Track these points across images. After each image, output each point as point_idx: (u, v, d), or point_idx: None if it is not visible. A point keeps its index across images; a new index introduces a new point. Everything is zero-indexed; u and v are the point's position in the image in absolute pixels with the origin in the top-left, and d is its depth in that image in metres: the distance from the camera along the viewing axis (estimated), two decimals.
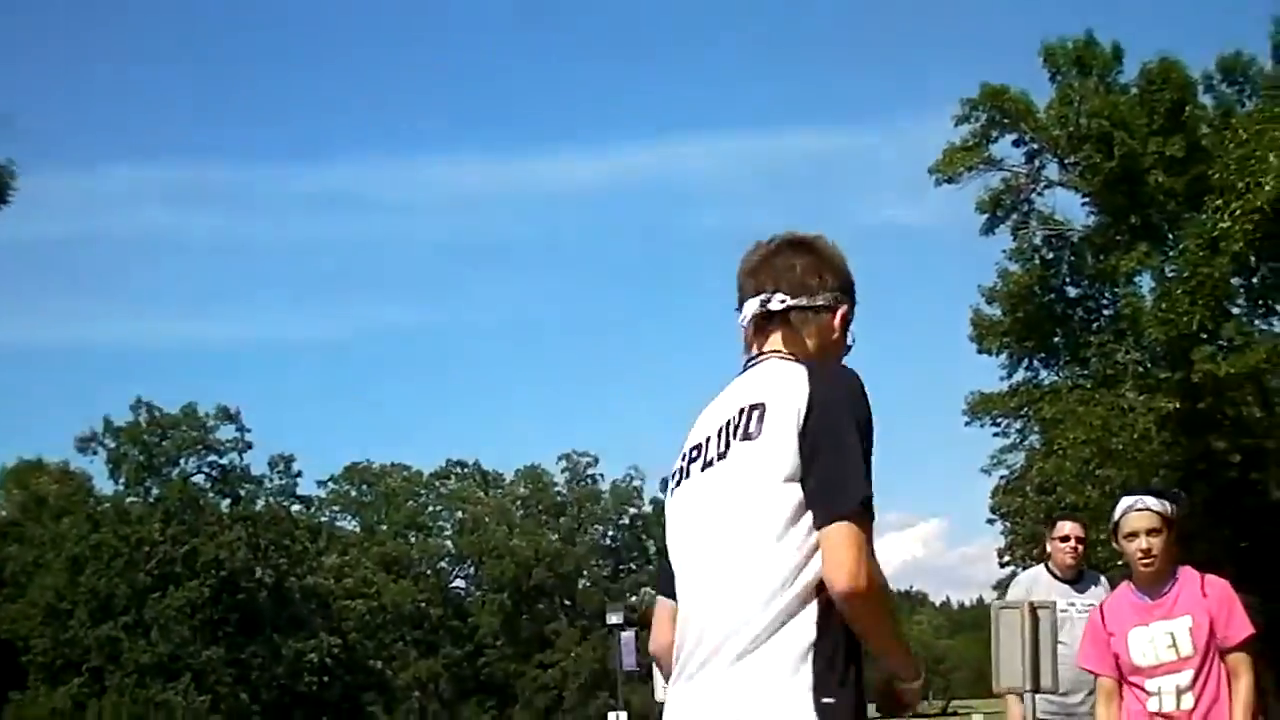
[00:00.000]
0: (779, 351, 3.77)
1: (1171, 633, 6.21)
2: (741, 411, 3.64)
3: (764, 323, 3.83)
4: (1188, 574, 6.58)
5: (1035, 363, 47.30)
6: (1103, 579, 9.24)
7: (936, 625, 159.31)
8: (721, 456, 3.64)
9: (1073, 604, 8.85)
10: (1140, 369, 40.99)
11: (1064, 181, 44.57)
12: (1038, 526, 49.42)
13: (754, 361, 3.81)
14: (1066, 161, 43.69)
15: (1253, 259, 33.78)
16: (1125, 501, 6.67)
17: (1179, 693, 6.14)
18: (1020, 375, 47.48)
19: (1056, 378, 46.61)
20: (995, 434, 50.10)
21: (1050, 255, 46.12)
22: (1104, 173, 41.29)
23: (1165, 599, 6.40)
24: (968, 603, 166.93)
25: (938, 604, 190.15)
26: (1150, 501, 6.59)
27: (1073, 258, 45.86)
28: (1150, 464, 39.73)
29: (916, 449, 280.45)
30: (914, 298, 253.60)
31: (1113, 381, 41.64)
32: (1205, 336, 36.83)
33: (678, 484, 3.76)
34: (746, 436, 3.59)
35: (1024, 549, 47.62)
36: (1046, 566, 9.35)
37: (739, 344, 3.92)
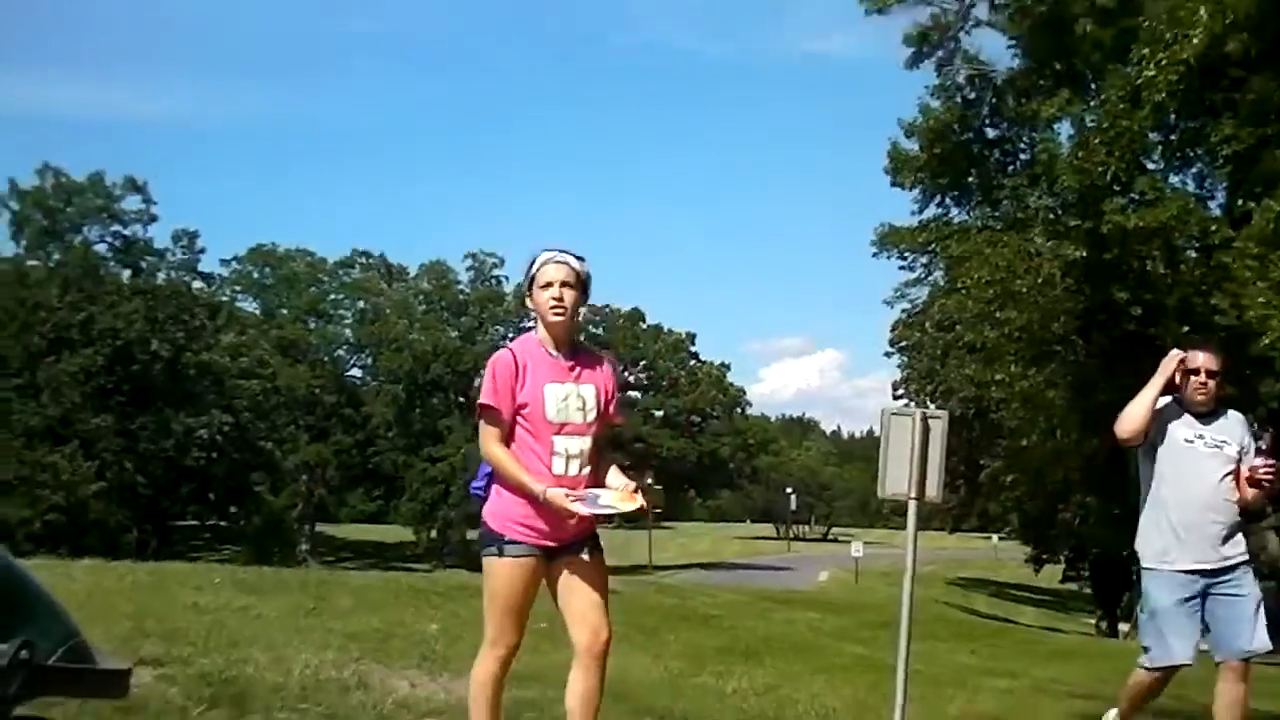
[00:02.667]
0: None
1: (583, 396, 6.29)
2: None
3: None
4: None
5: (947, 200, 47.31)
6: (1235, 414, 8.23)
7: (825, 453, 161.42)
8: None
9: (1200, 436, 8.04)
10: (1051, 215, 41.11)
11: (993, 22, 44.21)
12: (933, 362, 50.10)
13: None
14: (997, 2, 43.40)
15: (1172, 115, 33.84)
16: (544, 255, 6.45)
17: (581, 457, 6.28)
18: (931, 211, 47.48)
19: (967, 217, 46.72)
20: (901, 268, 50.31)
21: (972, 95, 45.94)
22: (1034, 16, 40.99)
23: (576, 364, 6.45)
24: (858, 434, 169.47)
25: (828, 432, 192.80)
26: (570, 258, 6.44)
27: (994, 99, 45.70)
28: (1052, 309, 40.07)
29: (821, 279, 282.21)
30: (837, 126, 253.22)
31: (1022, 225, 41.78)
32: (1118, 189, 36.94)
33: None
34: None
35: (918, 383, 48.18)
36: (1175, 399, 8.17)
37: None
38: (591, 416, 6.32)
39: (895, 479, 7.66)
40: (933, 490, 7.67)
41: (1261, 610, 7.87)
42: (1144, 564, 8.11)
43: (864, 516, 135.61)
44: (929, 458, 7.64)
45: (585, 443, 6.32)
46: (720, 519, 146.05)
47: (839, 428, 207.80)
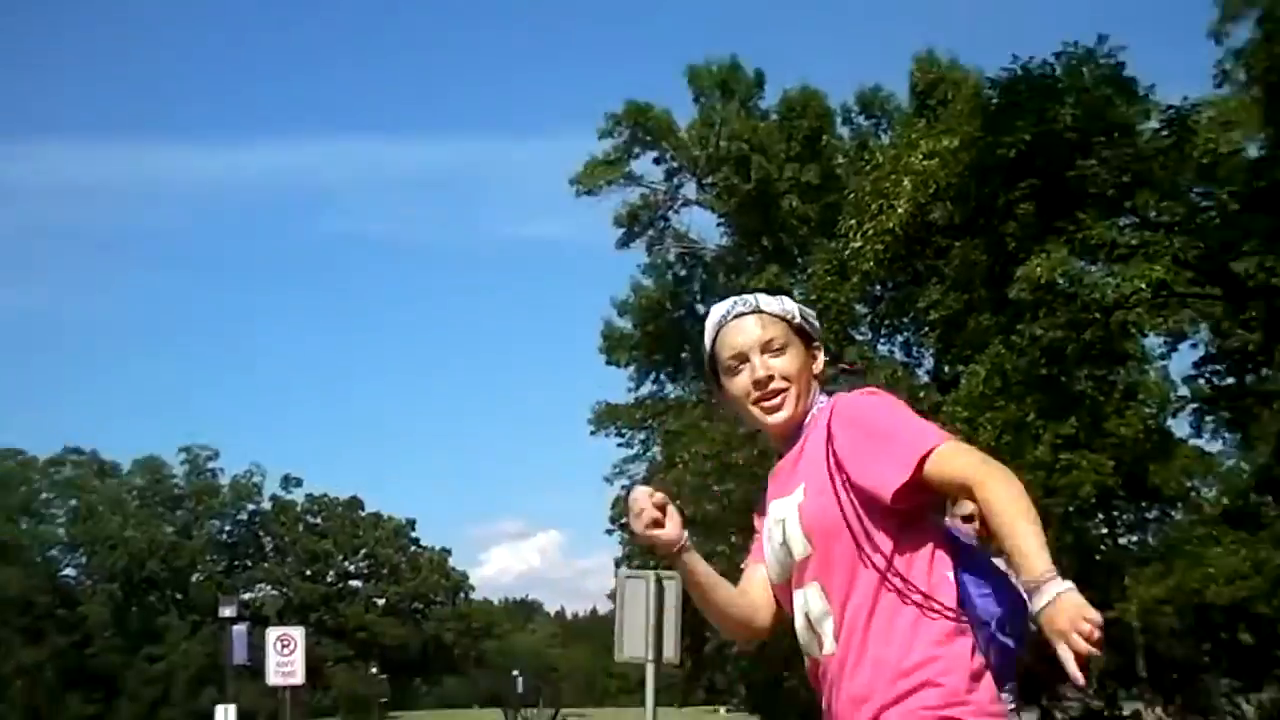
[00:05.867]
0: None
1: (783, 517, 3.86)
2: None
3: None
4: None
5: (662, 376, 48.13)
6: None
7: (550, 635, 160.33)
8: None
9: None
10: None
11: (701, 201, 45.49)
12: None
13: None
14: (705, 182, 44.59)
15: (879, 285, 34.97)
16: (714, 314, 3.83)
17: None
18: (647, 388, 48.22)
19: (682, 392, 47.48)
20: (620, 444, 50.73)
21: (683, 272, 47.04)
22: (740, 195, 42.30)
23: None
24: (582, 613, 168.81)
25: (552, 614, 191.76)
26: (755, 301, 3.77)
27: (705, 276, 46.82)
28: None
29: (540, 460, 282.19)
30: (550, 309, 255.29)
31: None
32: (828, 359, 37.86)
33: None
34: None
35: (640, 560, 48.24)
36: None
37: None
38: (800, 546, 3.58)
39: (632, 642, 7.62)
40: (670, 651, 7.68)
41: None
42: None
43: (592, 696, 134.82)
44: (665, 619, 7.61)
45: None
46: (448, 705, 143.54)
47: (563, 608, 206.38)
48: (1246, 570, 25.24)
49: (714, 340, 3.75)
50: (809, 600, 3.54)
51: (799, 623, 3.60)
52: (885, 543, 3.41)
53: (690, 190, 45.74)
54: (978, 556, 3.57)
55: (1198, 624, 37.52)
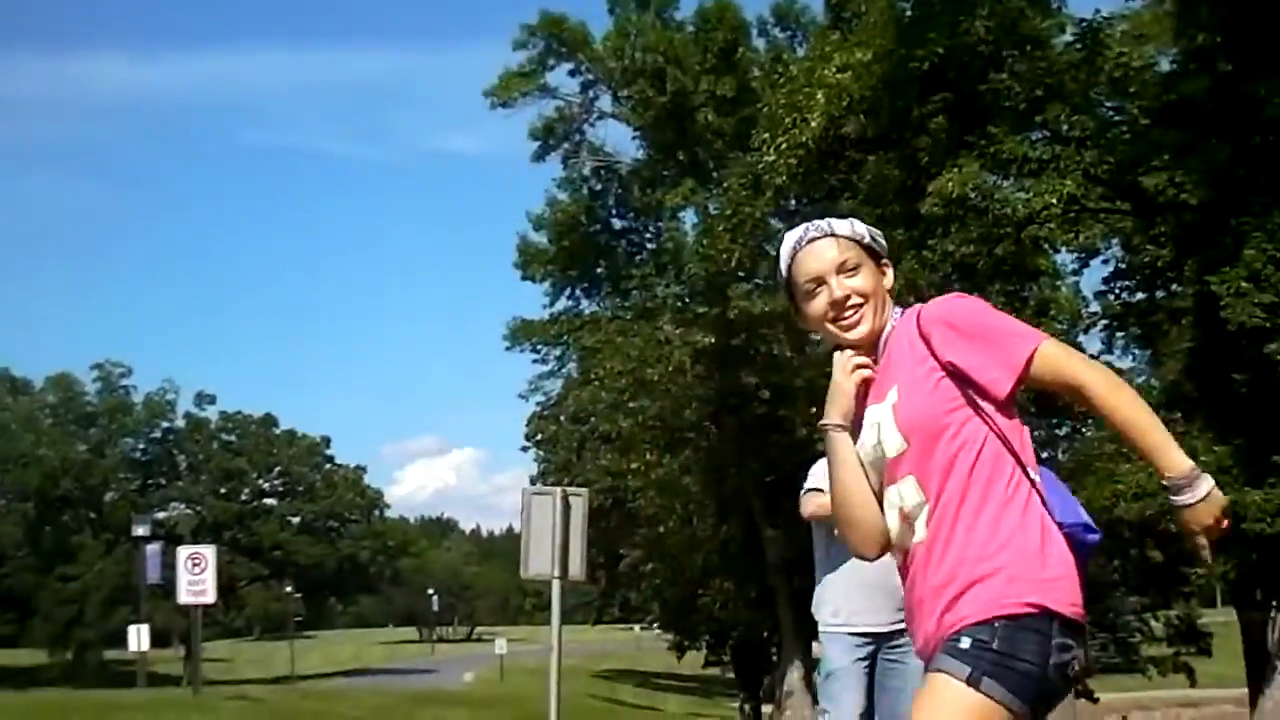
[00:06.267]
0: None
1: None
2: None
3: None
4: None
5: (578, 292, 47.98)
6: None
7: (466, 553, 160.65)
8: None
9: None
10: (679, 303, 41.97)
11: (616, 114, 45.21)
12: (570, 454, 50.32)
13: None
14: (620, 95, 44.30)
15: (793, 199, 34.84)
16: (788, 241, 3.95)
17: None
18: (563, 304, 48.09)
19: (598, 307, 47.42)
20: (535, 361, 50.62)
21: (599, 186, 46.81)
22: (656, 108, 42.06)
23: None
24: (498, 531, 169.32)
25: (468, 532, 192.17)
26: (828, 226, 3.88)
27: (620, 190, 46.63)
28: (684, 396, 40.70)
29: (455, 377, 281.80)
30: (466, 223, 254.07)
31: (651, 314, 42.50)
32: (743, 275, 37.83)
33: None
34: None
35: (556, 476, 48.25)
36: None
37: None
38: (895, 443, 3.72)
39: (538, 560, 7.48)
40: (576, 569, 7.54)
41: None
42: (821, 626, 8.09)
43: (506, 615, 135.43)
44: (570, 536, 7.47)
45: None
46: (362, 624, 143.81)
47: (478, 526, 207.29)
48: (1154, 487, 25.36)
49: (790, 266, 3.90)
50: (903, 494, 3.70)
51: (892, 517, 3.75)
52: (978, 437, 3.61)
53: (606, 103, 45.49)
54: (1045, 462, 3.80)
55: (1107, 541, 37.86)
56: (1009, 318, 3.74)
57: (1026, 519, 3.58)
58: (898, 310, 3.86)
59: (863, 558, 3.94)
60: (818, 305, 3.83)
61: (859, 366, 3.83)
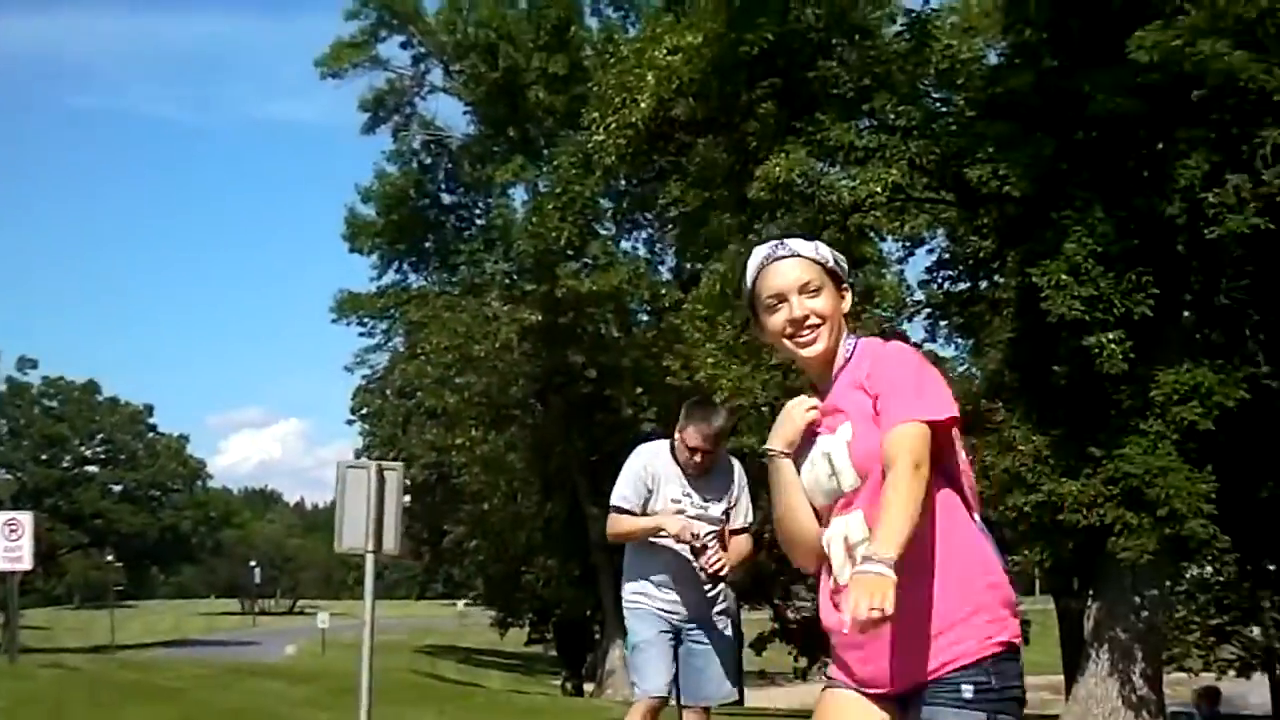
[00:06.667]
0: None
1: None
2: None
3: None
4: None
5: (406, 266, 47.65)
6: (726, 464, 7.90)
7: (289, 525, 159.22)
8: None
9: (689, 495, 7.81)
10: (507, 280, 41.85)
11: (448, 88, 44.91)
12: (395, 428, 50.03)
13: None
14: (452, 69, 44.00)
15: (623, 180, 34.84)
16: (756, 255, 4.10)
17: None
18: (390, 277, 47.73)
19: (425, 282, 47.16)
20: (361, 334, 50.20)
21: (429, 160, 46.48)
22: (487, 83, 41.84)
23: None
24: (322, 504, 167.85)
25: (291, 504, 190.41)
26: (796, 248, 4.07)
27: (450, 165, 46.36)
28: (510, 373, 40.64)
29: (281, 347, 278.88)
30: (295, 192, 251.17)
31: (480, 290, 42.34)
32: (571, 253, 37.83)
33: None
34: None
35: (381, 450, 47.95)
36: (672, 448, 7.86)
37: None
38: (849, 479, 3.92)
39: (353, 533, 7.33)
40: (390, 543, 7.41)
41: (728, 660, 7.89)
42: (625, 601, 8.04)
43: (330, 588, 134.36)
44: (385, 510, 7.34)
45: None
46: (184, 595, 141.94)
47: (302, 499, 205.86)
48: (975, 475, 25.78)
49: (754, 280, 4.06)
50: (850, 526, 3.86)
51: (836, 546, 3.90)
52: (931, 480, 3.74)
53: (437, 77, 45.19)
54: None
55: None
56: (938, 381, 3.90)
57: (983, 556, 3.87)
58: (851, 339, 4.05)
59: (804, 569, 4.12)
60: (777, 321, 4.00)
61: (812, 408, 4.03)
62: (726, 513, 7.81)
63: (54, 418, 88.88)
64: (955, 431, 3.93)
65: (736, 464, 7.95)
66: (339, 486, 7.57)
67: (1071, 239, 18.45)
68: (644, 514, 7.84)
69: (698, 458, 7.67)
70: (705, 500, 7.81)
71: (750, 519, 7.85)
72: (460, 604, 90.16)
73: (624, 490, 7.86)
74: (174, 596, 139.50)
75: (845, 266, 4.09)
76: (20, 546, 27.15)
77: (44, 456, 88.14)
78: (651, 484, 7.80)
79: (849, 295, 4.08)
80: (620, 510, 7.85)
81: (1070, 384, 20.66)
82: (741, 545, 7.92)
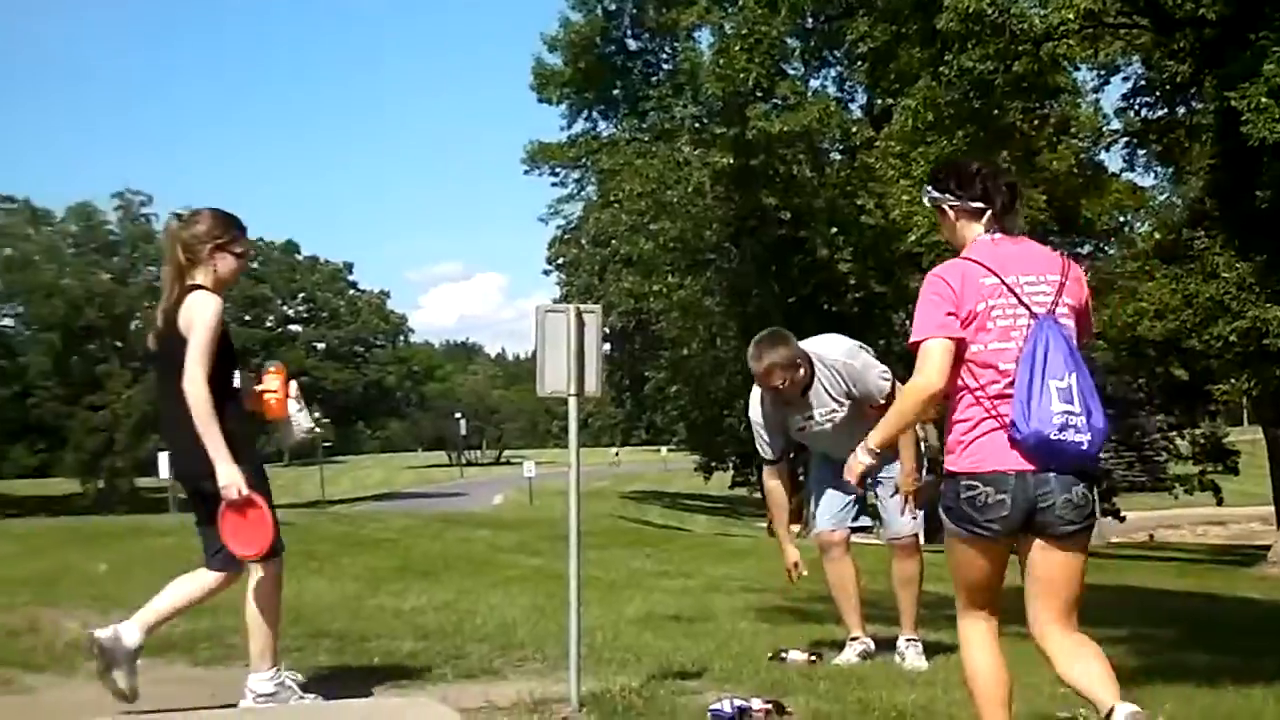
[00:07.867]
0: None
1: None
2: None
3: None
4: None
5: (595, 114, 47.73)
6: (822, 370, 8.10)
7: (492, 376, 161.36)
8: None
9: (810, 418, 8.15)
10: (697, 124, 41.69)
11: None
12: (591, 278, 50.40)
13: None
14: None
15: (809, 17, 34.46)
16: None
17: None
18: (580, 126, 47.88)
19: (615, 130, 47.16)
20: (554, 184, 50.52)
21: (613, 6, 46.29)
22: None
23: None
24: (523, 355, 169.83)
25: (493, 356, 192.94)
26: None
27: (635, 10, 46.14)
28: (704, 217, 40.66)
29: (477, 201, 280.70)
30: (481, 45, 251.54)
31: (670, 135, 42.28)
32: (760, 95, 37.55)
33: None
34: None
35: (578, 300, 48.35)
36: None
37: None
38: None
39: (554, 376, 7.49)
40: (592, 385, 7.52)
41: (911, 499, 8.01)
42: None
43: (535, 438, 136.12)
44: (586, 352, 7.50)
45: None
46: (391, 450, 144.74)
47: (504, 350, 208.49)
48: (1178, 304, 25.35)
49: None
50: None
51: None
52: None
53: None
54: None
55: (1131, 360, 37.91)
56: (922, 311, 4.66)
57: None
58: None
59: None
60: None
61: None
62: (848, 396, 7.96)
63: (256, 278, 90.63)
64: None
65: (839, 360, 8.13)
66: (538, 331, 7.69)
67: (1271, 60, 17.91)
68: (786, 439, 8.40)
69: (779, 386, 7.86)
70: (824, 411, 8.02)
71: (885, 387, 8.00)
72: (664, 450, 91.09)
73: (759, 445, 8.43)
74: (381, 451, 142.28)
75: None
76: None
77: (248, 317, 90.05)
78: (774, 426, 8.29)
79: None
80: (765, 462, 8.48)
81: (1273, 209, 20.19)
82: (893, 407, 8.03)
